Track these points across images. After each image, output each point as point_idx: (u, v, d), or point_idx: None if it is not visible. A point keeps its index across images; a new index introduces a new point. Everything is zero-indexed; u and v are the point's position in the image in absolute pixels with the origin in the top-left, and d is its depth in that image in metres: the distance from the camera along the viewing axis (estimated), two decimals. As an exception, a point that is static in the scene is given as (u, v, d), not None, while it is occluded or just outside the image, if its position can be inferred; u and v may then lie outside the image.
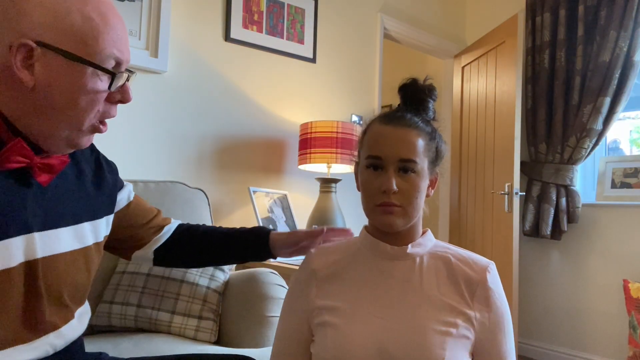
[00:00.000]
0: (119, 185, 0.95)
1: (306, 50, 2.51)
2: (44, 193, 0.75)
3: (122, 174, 1.85)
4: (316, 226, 2.04)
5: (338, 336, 0.80)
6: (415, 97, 0.88)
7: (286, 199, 2.28)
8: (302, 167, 2.28)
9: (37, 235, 0.73)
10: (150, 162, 1.98)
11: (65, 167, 0.79)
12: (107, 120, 0.78)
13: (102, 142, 1.84)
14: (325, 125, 2.16)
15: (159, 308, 1.44)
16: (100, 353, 0.99)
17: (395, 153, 0.81)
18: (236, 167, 2.25)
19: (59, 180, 0.78)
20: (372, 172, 0.83)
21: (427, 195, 0.88)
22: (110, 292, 1.47)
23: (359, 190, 0.89)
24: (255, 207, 2.05)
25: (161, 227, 1.03)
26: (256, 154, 2.32)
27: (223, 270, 1.57)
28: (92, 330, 1.48)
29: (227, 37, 2.22)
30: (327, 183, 2.22)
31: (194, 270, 1.52)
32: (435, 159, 0.86)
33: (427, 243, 0.89)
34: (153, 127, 1.99)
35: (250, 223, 2.23)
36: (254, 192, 2.10)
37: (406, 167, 0.81)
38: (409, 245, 0.86)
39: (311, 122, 2.20)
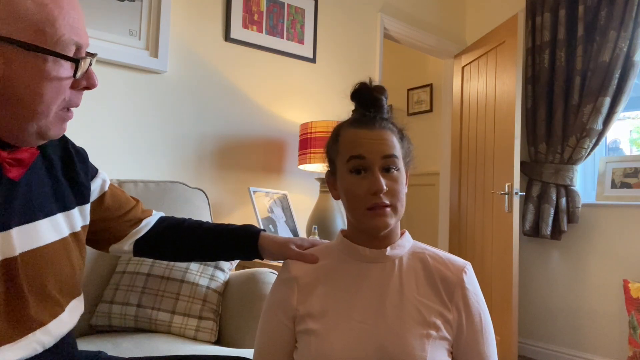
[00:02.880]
0: (90, 173, 0.91)
1: (306, 50, 2.51)
2: (16, 188, 0.73)
3: (122, 174, 1.86)
4: (316, 234, 2.03)
5: (320, 344, 0.80)
6: (369, 98, 0.88)
7: (286, 199, 2.29)
8: (302, 167, 2.28)
9: (15, 231, 0.71)
10: (150, 162, 1.98)
11: (36, 159, 0.78)
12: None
13: (103, 142, 1.84)
14: (325, 125, 2.16)
15: (159, 308, 1.44)
16: (99, 352, 0.98)
17: (377, 150, 0.81)
18: (236, 167, 2.25)
19: (29, 173, 0.76)
20: (356, 176, 0.82)
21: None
22: (110, 292, 1.47)
23: (336, 199, 0.89)
24: (255, 207, 2.05)
25: (140, 220, 0.99)
26: (256, 154, 2.32)
27: (223, 270, 1.57)
28: (92, 330, 1.48)
29: (227, 37, 2.22)
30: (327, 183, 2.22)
31: (194, 270, 1.52)
32: (407, 156, 0.88)
33: (406, 244, 0.89)
34: (153, 127, 1.99)
35: (250, 223, 2.23)
36: (254, 192, 2.10)
37: (389, 163, 0.82)
38: (388, 248, 0.86)
39: (311, 122, 2.20)
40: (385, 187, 0.80)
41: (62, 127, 0.75)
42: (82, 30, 0.72)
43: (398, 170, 0.83)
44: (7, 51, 0.65)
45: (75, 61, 0.70)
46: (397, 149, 0.84)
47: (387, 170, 0.82)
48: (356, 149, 0.82)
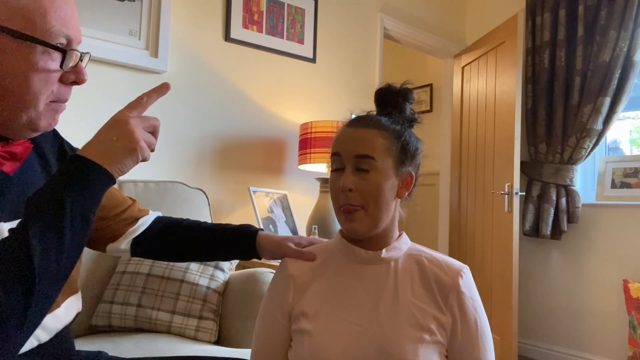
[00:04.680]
0: None
1: (306, 50, 2.51)
2: (10, 183, 0.73)
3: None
4: (317, 234, 2.04)
5: (313, 344, 0.80)
6: (387, 100, 0.88)
7: (286, 199, 2.29)
8: (302, 167, 2.28)
9: (5, 226, 0.70)
10: (150, 162, 1.98)
11: (30, 156, 0.77)
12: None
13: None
14: (325, 125, 2.16)
15: (159, 308, 1.44)
16: (100, 352, 0.98)
17: (351, 150, 0.82)
18: (236, 167, 2.25)
19: (24, 170, 0.76)
20: (334, 173, 0.85)
21: (401, 197, 0.86)
22: (110, 292, 1.47)
23: None
24: (255, 207, 2.05)
25: (136, 219, 0.98)
26: (256, 154, 2.32)
27: (223, 270, 1.57)
28: (92, 330, 1.48)
29: (227, 37, 2.22)
30: (327, 183, 2.22)
31: (194, 270, 1.52)
32: (404, 158, 0.85)
33: (402, 247, 0.88)
34: (153, 127, 1.99)
35: (250, 223, 2.23)
36: (254, 192, 2.10)
37: (362, 163, 0.81)
38: (384, 250, 0.85)
39: (311, 122, 2.20)
40: (349, 185, 0.80)
41: (53, 119, 0.74)
42: (73, 24, 0.72)
43: (373, 170, 0.81)
44: None
45: (63, 52, 0.70)
46: (379, 149, 0.81)
47: (362, 169, 0.81)
48: (335, 147, 0.85)
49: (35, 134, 0.75)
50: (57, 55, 0.70)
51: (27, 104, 0.69)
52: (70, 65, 0.72)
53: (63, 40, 0.70)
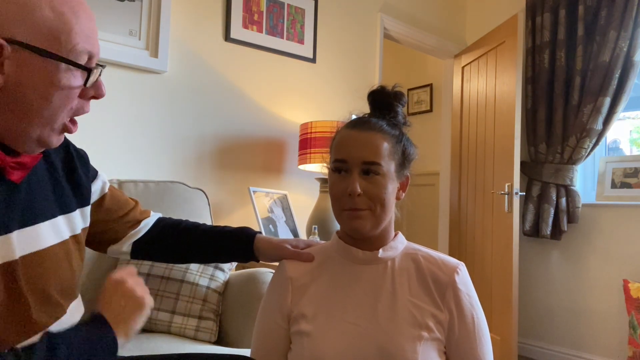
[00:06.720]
0: (91, 175, 0.91)
1: (306, 50, 2.51)
2: (18, 190, 0.73)
3: (122, 174, 1.86)
4: (316, 234, 2.04)
5: (313, 345, 0.80)
6: (382, 102, 0.89)
7: (286, 199, 2.29)
8: (302, 167, 2.28)
9: (15, 234, 0.71)
10: (150, 162, 1.98)
11: (38, 162, 0.78)
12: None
13: (103, 142, 1.84)
14: (325, 125, 2.16)
15: (159, 308, 1.44)
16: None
17: (359, 155, 0.82)
18: (236, 167, 2.25)
19: (30, 175, 0.76)
20: (337, 175, 0.85)
21: (398, 198, 0.88)
22: (110, 292, 1.47)
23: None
24: (255, 207, 2.05)
25: (138, 221, 0.99)
26: (256, 154, 2.32)
27: (223, 270, 1.58)
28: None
29: (227, 37, 2.22)
30: (327, 183, 2.22)
31: (194, 270, 1.52)
32: (403, 162, 0.87)
33: (399, 246, 0.89)
34: (153, 127, 1.99)
35: (250, 223, 2.23)
36: (254, 192, 2.10)
37: (370, 169, 0.81)
38: (380, 250, 0.86)
39: (311, 122, 2.20)
40: (359, 190, 0.80)
41: (60, 138, 0.75)
42: (94, 39, 0.73)
43: (380, 175, 0.82)
44: (20, 56, 0.66)
45: (88, 70, 0.71)
46: (384, 154, 0.82)
47: (368, 173, 0.82)
48: (340, 152, 0.84)
49: (40, 150, 0.75)
50: (79, 72, 0.71)
51: (45, 120, 0.70)
52: (93, 81, 0.73)
53: (85, 57, 0.71)
